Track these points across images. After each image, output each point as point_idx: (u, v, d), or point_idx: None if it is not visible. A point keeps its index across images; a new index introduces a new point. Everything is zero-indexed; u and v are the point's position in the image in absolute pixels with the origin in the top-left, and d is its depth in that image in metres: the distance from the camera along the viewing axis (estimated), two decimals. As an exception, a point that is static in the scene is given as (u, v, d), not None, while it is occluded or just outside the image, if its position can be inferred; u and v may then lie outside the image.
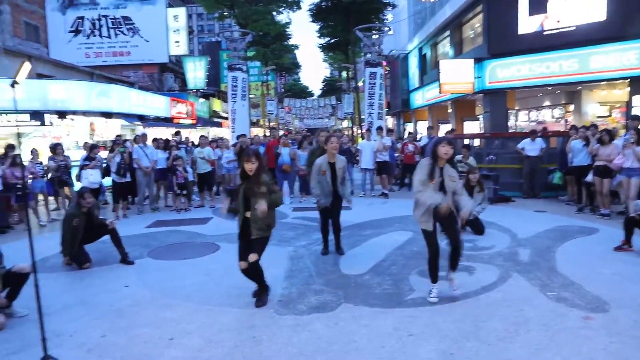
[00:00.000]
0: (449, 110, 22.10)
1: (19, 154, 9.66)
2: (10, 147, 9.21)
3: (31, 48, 21.26)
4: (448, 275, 4.62)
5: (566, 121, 16.93)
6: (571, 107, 17.17)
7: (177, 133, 14.60)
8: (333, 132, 7.88)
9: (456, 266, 4.58)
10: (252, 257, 4.35)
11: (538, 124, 16.98)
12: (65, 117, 14.16)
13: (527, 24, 15.19)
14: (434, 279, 4.54)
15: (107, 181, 10.49)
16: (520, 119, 19.65)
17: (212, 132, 27.92)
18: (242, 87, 17.24)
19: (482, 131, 17.75)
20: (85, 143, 11.96)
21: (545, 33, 14.78)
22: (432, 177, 4.31)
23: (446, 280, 4.62)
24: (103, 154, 11.16)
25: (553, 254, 6.05)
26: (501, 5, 15.80)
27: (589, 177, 8.62)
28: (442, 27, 21.63)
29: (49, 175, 9.88)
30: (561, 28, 14.46)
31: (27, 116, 13.07)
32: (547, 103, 18.57)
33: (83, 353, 3.66)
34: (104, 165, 10.30)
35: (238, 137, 12.39)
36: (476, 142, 12.94)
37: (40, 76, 16.70)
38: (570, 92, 16.89)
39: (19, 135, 13.80)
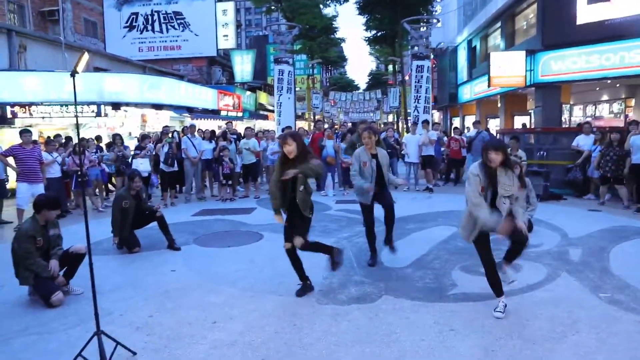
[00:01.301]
0: (499, 105, 21.43)
1: (83, 140, 10.20)
2: (69, 139, 9.74)
3: (89, 43, 22.30)
4: (502, 267, 4.22)
5: (627, 116, 16.03)
6: (632, 102, 16.24)
7: (229, 123, 14.88)
8: (367, 124, 7.13)
9: (513, 259, 4.20)
10: (298, 242, 4.32)
11: (594, 119, 16.19)
12: (119, 109, 14.77)
13: (586, 12, 14.44)
14: (499, 291, 4.09)
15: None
16: (574, 114, 18.80)
17: (258, 125, 28.29)
18: (288, 80, 17.37)
19: (533, 126, 17.10)
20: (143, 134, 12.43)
21: (606, 22, 13.99)
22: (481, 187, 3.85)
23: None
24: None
25: (607, 254, 5.78)
26: (558, -7, 15.11)
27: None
28: (493, 18, 20.95)
29: (107, 164, 10.36)
30: (624, 17, 13.65)
31: (84, 107, 13.72)
32: (605, 97, 17.67)
33: (132, 330, 3.84)
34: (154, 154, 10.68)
35: (283, 129, 12.51)
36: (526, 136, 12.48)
37: (97, 69, 17.48)
38: (632, 86, 15.98)
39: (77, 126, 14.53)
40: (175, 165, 10.05)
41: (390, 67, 42.67)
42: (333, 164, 11.12)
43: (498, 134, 14.34)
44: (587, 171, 10.03)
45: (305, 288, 4.60)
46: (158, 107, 16.64)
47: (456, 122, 28.26)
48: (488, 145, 3.89)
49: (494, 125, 22.04)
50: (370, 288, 4.72)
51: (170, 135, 10.50)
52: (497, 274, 4.06)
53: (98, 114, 13.73)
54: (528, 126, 18.36)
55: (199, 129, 11.58)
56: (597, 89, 17.38)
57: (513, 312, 4.05)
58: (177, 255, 6.09)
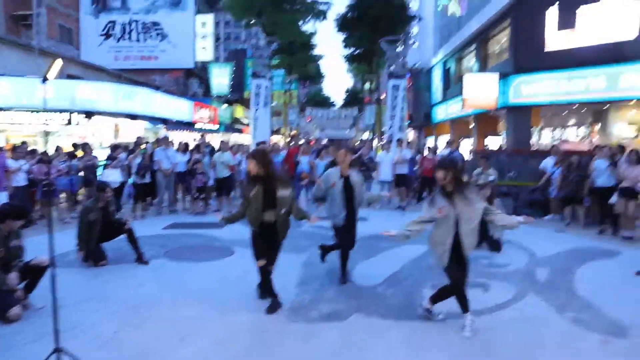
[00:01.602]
0: (471, 126, 21.93)
1: (46, 151, 9.95)
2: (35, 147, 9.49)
3: (64, 50, 21.90)
4: (425, 305, 4.33)
5: (591, 141, 16.62)
6: (597, 127, 16.87)
7: (203, 135, 14.80)
8: (333, 145, 6.96)
9: (438, 301, 4.29)
10: (266, 265, 4.45)
11: (562, 142, 16.70)
12: (91, 117, 14.50)
13: (555, 39, 15.02)
14: (465, 308, 4.13)
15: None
16: (543, 137, 19.37)
17: (234, 138, 28.19)
18: (265, 94, 17.41)
19: (504, 147, 17.53)
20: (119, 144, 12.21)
21: (573, 49, 14.58)
22: (437, 207, 3.97)
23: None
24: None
25: (572, 274, 5.92)
26: (529, 19, 15.67)
27: (613, 199, 8.44)
28: (468, 41, 21.55)
29: (75, 173, 10.12)
30: (589, 45, 14.25)
31: (55, 115, 13.42)
32: (572, 122, 18.28)
33: (96, 346, 3.73)
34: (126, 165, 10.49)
35: (258, 144, 12.48)
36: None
37: (70, 77, 17.17)
38: (597, 111, 16.59)
39: (46, 133, 14.19)
40: (148, 177, 9.89)
41: (367, 85, 43.28)
42: (307, 179, 11.12)
43: (470, 154, 14.64)
44: (548, 192, 10.33)
45: (275, 304, 4.55)
46: (132, 117, 16.44)
47: (430, 141, 28.74)
48: (436, 165, 4.03)
49: (468, 145, 22.52)
50: (342, 305, 4.71)
51: (143, 146, 10.36)
52: (464, 289, 4.10)
53: (69, 122, 13.44)
54: (498, 147, 18.83)
55: (171, 141, 11.41)
56: (565, 113, 17.98)
57: (482, 331, 4.10)
58: (146, 269, 5.98)
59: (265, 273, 4.50)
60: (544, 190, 10.38)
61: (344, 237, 5.41)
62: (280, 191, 4.38)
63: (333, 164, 8.02)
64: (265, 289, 4.61)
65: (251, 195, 4.37)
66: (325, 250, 5.97)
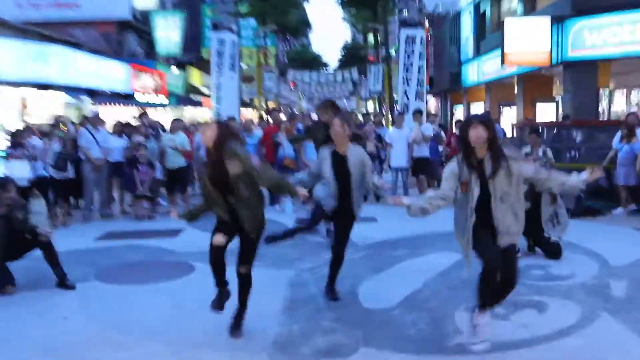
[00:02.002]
0: (515, 90, 21.99)
1: None
2: None
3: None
4: (473, 318, 4.38)
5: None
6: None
7: (144, 114, 14.66)
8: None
9: (494, 304, 4.39)
10: (243, 269, 4.63)
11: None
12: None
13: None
14: (484, 304, 4.30)
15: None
16: (616, 102, 19.47)
17: (189, 114, 28.01)
18: (230, 53, 17.33)
19: (561, 118, 17.61)
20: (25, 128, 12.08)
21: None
22: (464, 182, 4.13)
23: (504, 321, 4.51)
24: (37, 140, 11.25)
25: (659, 287, 5.96)
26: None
27: None
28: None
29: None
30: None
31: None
32: (655, 81, 18.37)
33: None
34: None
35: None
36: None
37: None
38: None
39: None
40: (70, 170, 9.80)
41: (371, 38, 43.23)
42: (292, 168, 11.10)
43: (514, 128, 14.69)
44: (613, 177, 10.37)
45: (222, 296, 4.70)
46: (45, 87, 16.27)
47: (459, 111, 28.84)
48: (468, 120, 4.20)
49: (510, 116, 22.61)
50: (344, 337, 4.70)
51: (63, 127, 10.27)
52: (493, 285, 4.20)
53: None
54: (555, 118, 18.89)
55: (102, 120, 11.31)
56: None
57: (538, 367, 4.11)
58: (70, 296, 5.93)
59: (219, 252, 4.58)
60: (609, 175, 10.42)
61: (333, 235, 5.71)
62: (229, 163, 4.43)
63: (309, 132, 7.90)
64: (216, 275, 4.71)
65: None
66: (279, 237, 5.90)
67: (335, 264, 5.65)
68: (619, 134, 10.41)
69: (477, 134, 4.00)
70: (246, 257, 4.69)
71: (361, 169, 5.41)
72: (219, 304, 4.67)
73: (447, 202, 4.27)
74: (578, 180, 4.18)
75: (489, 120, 4.12)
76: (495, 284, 4.19)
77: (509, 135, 14.67)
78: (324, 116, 7.25)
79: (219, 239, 4.52)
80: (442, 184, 4.30)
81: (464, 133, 4.09)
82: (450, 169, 4.26)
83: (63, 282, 6.17)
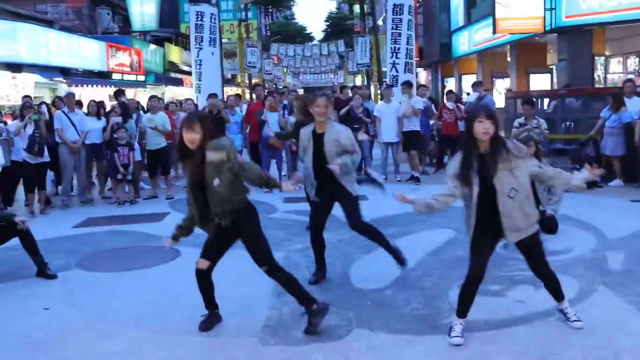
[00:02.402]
0: (509, 59, 21.99)
1: None
2: None
3: None
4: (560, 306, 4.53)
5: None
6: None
7: (121, 92, 14.50)
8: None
9: (561, 296, 4.51)
10: (264, 268, 4.51)
11: (639, 76, 16.87)
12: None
13: None
14: (462, 312, 4.34)
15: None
16: (612, 69, 19.52)
17: (169, 93, 27.84)
18: (210, 27, 17.14)
19: (556, 87, 17.66)
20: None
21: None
22: (465, 178, 4.12)
23: (500, 297, 4.55)
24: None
25: (657, 260, 6.05)
26: None
27: None
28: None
29: None
30: None
31: None
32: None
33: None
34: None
35: (208, 97, 12.34)
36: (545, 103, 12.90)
37: None
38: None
39: None
40: (46, 154, 9.73)
41: (357, 8, 42.91)
42: (279, 147, 11.09)
43: (507, 99, 14.72)
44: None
45: (212, 319, 4.67)
46: (14, 67, 16.07)
47: (450, 84, 28.83)
48: (474, 113, 4.09)
49: (503, 87, 22.62)
50: (336, 319, 4.73)
51: (36, 110, 10.17)
52: (474, 291, 4.27)
53: None
54: (550, 87, 18.94)
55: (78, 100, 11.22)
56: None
57: (536, 344, 4.18)
58: (52, 285, 5.93)
59: (203, 275, 4.59)
60: (596, 144, 10.46)
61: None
62: (209, 153, 4.30)
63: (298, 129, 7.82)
64: (204, 296, 4.69)
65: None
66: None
67: (371, 237, 5.79)
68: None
69: (484, 128, 3.98)
70: (258, 256, 4.51)
71: (337, 148, 5.39)
72: (206, 326, 4.62)
73: (454, 198, 4.26)
74: (581, 180, 4.22)
75: (495, 115, 4.10)
76: (474, 295, 4.27)
77: (501, 105, 14.67)
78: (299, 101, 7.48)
79: (202, 264, 4.51)
80: (448, 183, 4.27)
81: (469, 125, 4.08)
82: (453, 166, 4.25)
83: (43, 272, 6.16)
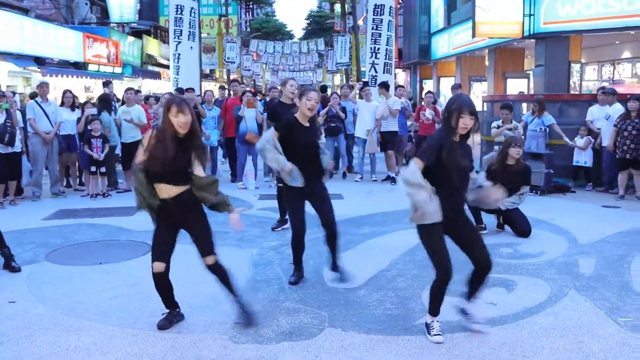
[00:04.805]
0: (487, 63, 22.17)
1: None
2: None
3: None
4: (463, 306, 4.49)
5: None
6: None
7: (108, 83, 14.33)
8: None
9: (476, 294, 4.47)
10: (209, 260, 4.41)
11: (613, 84, 17.10)
12: None
13: None
14: (435, 310, 4.37)
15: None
16: (587, 76, 19.79)
17: (147, 86, 27.65)
18: (190, 21, 17.07)
19: (533, 92, 17.83)
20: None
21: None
22: (448, 160, 4.16)
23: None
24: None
25: (627, 265, 6.12)
26: None
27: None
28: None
29: None
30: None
31: None
32: (627, 55, 18.70)
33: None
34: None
35: (185, 91, 12.27)
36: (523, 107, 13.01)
37: None
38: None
39: None
40: (17, 144, 9.58)
41: (338, 7, 42.98)
42: (254, 142, 11.01)
43: (484, 103, 14.82)
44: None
45: (172, 317, 4.60)
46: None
47: (428, 85, 28.98)
48: (463, 107, 4.14)
49: (480, 90, 22.81)
50: (308, 318, 4.73)
51: (7, 100, 10.00)
52: (444, 287, 4.28)
53: None
54: (526, 92, 19.13)
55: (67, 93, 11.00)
56: (617, 42, 18.36)
57: (508, 346, 4.19)
58: (18, 278, 5.83)
59: (161, 278, 4.45)
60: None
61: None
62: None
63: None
64: (163, 297, 4.58)
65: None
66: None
67: (332, 236, 5.62)
68: (597, 109, 10.64)
69: (465, 124, 4.10)
70: (204, 246, 4.44)
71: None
72: (164, 324, 4.52)
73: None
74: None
75: (476, 112, 4.21)
76: (444, 294, 4.31)
77: (479, 109, 14.81)
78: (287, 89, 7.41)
79: (158, 266, 4.39)
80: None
81: (454, 117, 4.13)
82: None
83: (9, 264, 6.06)
